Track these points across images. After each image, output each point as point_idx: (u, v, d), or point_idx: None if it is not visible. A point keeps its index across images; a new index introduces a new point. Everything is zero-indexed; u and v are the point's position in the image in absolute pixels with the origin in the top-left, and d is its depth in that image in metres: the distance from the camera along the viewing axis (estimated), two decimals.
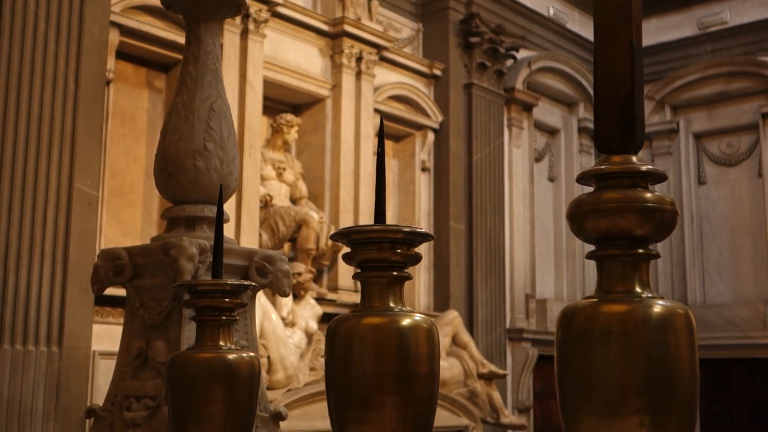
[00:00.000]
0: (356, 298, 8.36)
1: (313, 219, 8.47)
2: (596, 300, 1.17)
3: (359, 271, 1.47)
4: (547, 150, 11.90)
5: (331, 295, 8.57)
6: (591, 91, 12.17)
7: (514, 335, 10.62)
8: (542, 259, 11.53)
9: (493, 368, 8.88)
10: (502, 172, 10.75)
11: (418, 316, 1.43)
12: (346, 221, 8.96)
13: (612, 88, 1.21)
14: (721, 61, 11.83)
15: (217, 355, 1.77)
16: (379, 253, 1.46)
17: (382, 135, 1.61)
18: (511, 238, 10.80)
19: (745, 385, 11.35)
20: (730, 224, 11.73)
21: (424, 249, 9.78)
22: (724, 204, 11.85)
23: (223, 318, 1.80)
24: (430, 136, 10.21)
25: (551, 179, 11.98)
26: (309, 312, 7.75)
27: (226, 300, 1.79)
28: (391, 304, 1.46)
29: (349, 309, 8.24)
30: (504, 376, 9.26)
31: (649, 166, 1.20)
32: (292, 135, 8.84)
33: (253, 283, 1.73)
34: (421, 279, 9.90)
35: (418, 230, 1.44)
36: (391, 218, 9.47)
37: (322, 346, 7.76)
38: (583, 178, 1.23)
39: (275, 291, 2.38)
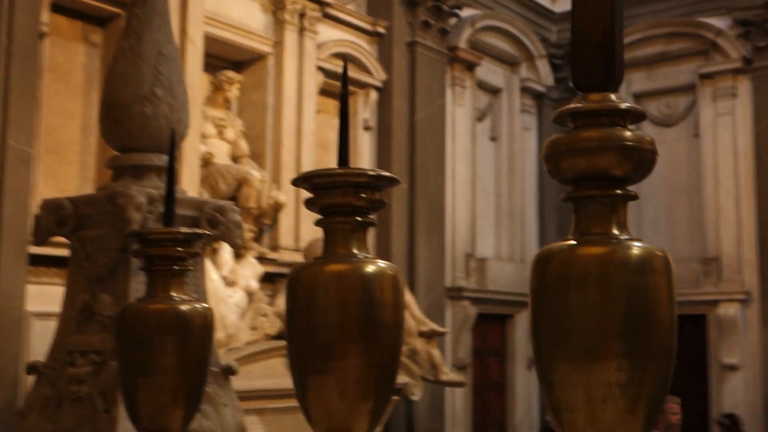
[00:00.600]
0: (297, 257, 8.29)
1: (254, 178, 8.35)
2: (573, 242, 1.13)
3: (321, 217, 1.42)
4: (490, 110, 11.90)
5: (272, 255, 8.49)
6: (534, 50, 12.19)
7: (453, 294, 10.68)
8: (483, 218, 11.58)
9: (434, 326, 8.92)
10: (444, 131, 10.73)
11: (382, 263, 1.38)
12: (287, 180, 8.86)
13: (591, 23, 1.16)
14: (662, 22, 11.93)
15: (170, 306, 1.70)
16: (343, 197, 1.40)
17: (345, 78, 1.55)
18: (452, 198, 10.82)
19: (679, 341, 11.58)
20: (667, 184, 11.91)
21: None
22: (661, 164, 11.93)
23: (176, 268, 1.73)
24: (373, 94, 10.13)
25: (493, 139, 12.00)
26: (250, 271, 7.67)
27: (179, 249, 1.71)
28: (355, 251, 1.41)
29: (290, 269, 8.18)
30: (444, 334, 9.31)
31: (629, 104, 1.16)
32: (234, 92, 8.68)
33: (208, 232, 1.66)
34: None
35: (384, 174, 1.38)
36: None
37: (263, 305, 7.69)
38: (560, 117, 1.19)
39: (227, 242, 2.31)
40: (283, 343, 7.48)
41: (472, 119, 11.43)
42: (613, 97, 1.16)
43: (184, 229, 1.72)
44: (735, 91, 11.44)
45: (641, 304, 1.07)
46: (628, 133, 1.14)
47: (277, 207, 8.50)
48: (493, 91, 11.96)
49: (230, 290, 7.41)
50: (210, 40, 8.28)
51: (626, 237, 1.13)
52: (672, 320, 1.10)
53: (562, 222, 12.46)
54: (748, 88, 11.35)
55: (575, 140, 1.13)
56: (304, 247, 8.56)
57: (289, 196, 8.60)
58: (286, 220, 8.65)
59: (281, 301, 7.79)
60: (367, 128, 10.09)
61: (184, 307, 1.70)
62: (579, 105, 1.16)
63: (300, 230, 8.80)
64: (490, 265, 11.33)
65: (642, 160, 1.14)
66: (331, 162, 9.74)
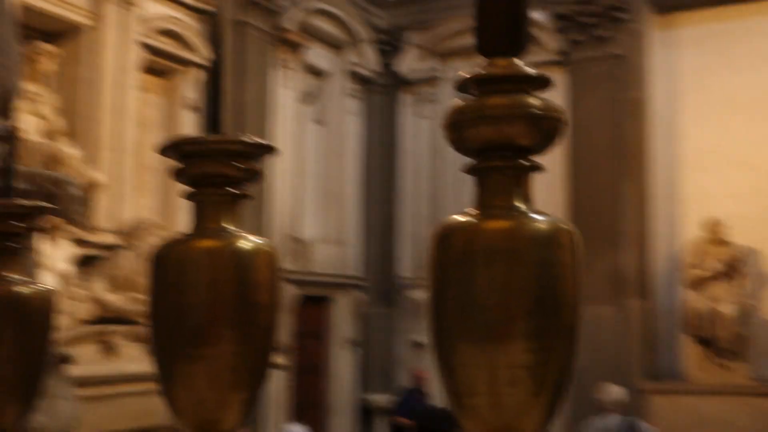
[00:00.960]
0: (112, 239, 7.92)
1: (67, 156, 7.91)
2: (478, 216, 1.07)
3: (192, 190, 1.29)
4: (317, 93, 11.83)
5: (86, 237, 8.06)
6: (361, 35, 12.22)
7: None
8: (307, 200, 11.52)
9: None
10: (270, 113, 10.57)
11: (258, 239, 1.27)
12: (105, 159, 8.45)
13: None
14: None
15: (7, 288, 1.51)
16: (215, 167, 1.28)
17: (219, 41, 1.42)
18: (277, 180, 10.69)
19: None
20: None
21: None
22: None
23: (13, 245, 1.54)
24: (198, 73, 9.81)
25: (319, 122, 11.95)
26: (60, 253, 7.25)
27: (17, 224, 1.52)
28: (227, 226, 1.29)
29: (105, 251, 7.80)
30: None
31: (536, 71, 1.11)
32: (49, 66, 8.18)
33: (51, 206, 1.48)
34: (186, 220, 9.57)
35: (261, 141, 1.27)
36: (154, 158, 9.03)
37: (77, 289, 7.31)
38: (464, 85, 1.12)
39: (65, 217, 2.11)
40: (97, 328, 7.14)
41: (299, 102, 11.33)
42: (517, 62, 1.10)
43: (25, 202, 1.53)
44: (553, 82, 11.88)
45: (549, 282, 1.02)
46: (537, 101, 1.09)
47: (93, 186, 8.07)
48: (321, 75, 11.89)
49: (43, 273, 6.98)
50: (24, 9, 7.74)
51: (531, 210, 1.08)
52: (578, 297, 1.06)
53: (385, 207, 12.60)
54: (565, 80, 11.82)
55: (482, 107, 1.06)
56: (126, 228, 8.18)
57: (108, 175, 8.20)
58: (103, 201, 8.23)
59: (98, 285, 7.42)
60: (191, 108, 9.78)
61: (23, 290, 1.52)
62: (484, 71, 1.09)
63: (120, 210, 8.41)
64: (314, 248, 11.30)
65: (551, 129, 1.09)
66: (153, 142, 9.37)
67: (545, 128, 1.06)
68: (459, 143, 1.09)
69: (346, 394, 11.94)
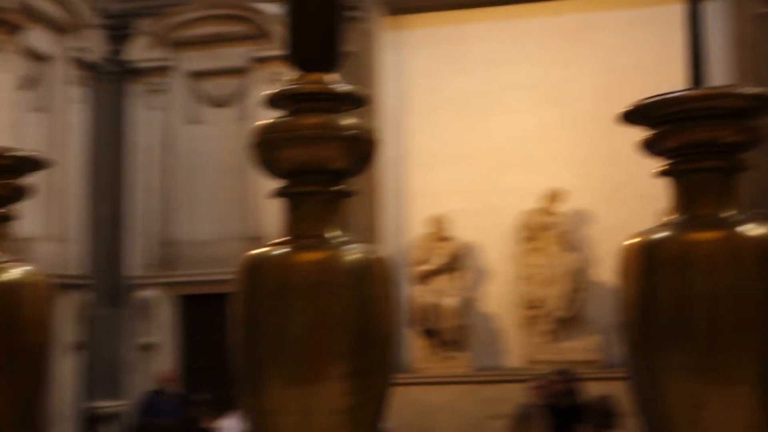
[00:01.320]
0: None
1: None
2: (290, 246, 0.98)
3: None
4: (37, 78, 11.03)
5: None
6: (90, 19, 11.54)
7: None
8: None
9: None
10: None
11: (29, 267, 1.10)
12: None
13: (312, 1, 1.01)
14: (218, 3, 11.98)
15: None
16: None
17: None
18: None
19: (224, 319, 11.80)
20: (218, 164, 12.02)
21: None
22: (213, 143, 12.10)
23: None
24: None
25: (40, 110, 11.15)
26: None
27: None
28: None
29: None
30: None
31: (350, 88, 1.03)
32: None
33: None
34: None
35: (29, 155, 1.10)
36: None
37: None
38: (273, 99, 1.03)
39: None
40: None
41: (17, 88, 10.49)
42: (332, 78, 1.03)
43: None
44: (284, 77, 11.88)
45: (367, 317, 0.95)
46: (351, 121, 1.01)
47: None
48: (42, 59, 11.09)
49: None
50: None
51: (347, 239, 1.01)
52: (394, 330, 1.00)
53: (113, 202, 12.03)
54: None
55: (296, 127, 0.98)
56: None
57: None
58: None
59: None
60: None
61: None
62: (298, 86, 1.00)
63: None
64: (32, 245, 10.53)
65: (366, 151, 1.02)
66: None
67: (360, 150, 0.99)
68: (268, 164, 1.00)
69: (68, 401, 11.25)
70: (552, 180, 11.18)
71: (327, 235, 0.96)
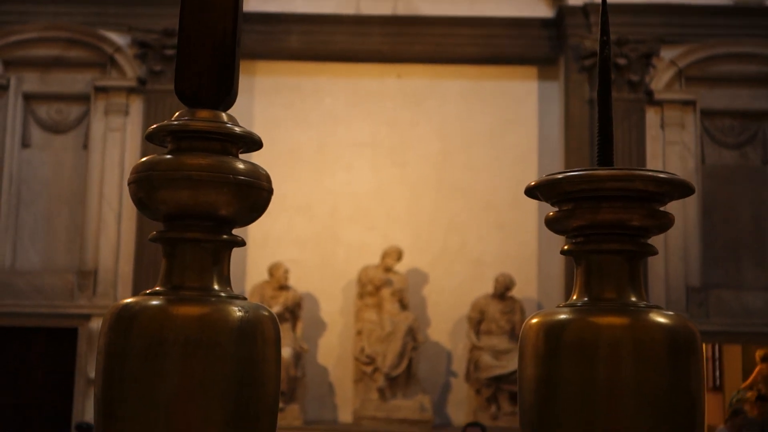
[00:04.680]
0: None
1: None
2: (166, 298, 0.88)
3: None
4: None
5: None
6: None
7: None
8: None
9: None
10: None
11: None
12: None
13: (207, 24, 0.93)
14: (62, 26, 11.54)
15: None
16: None
17: None
18: None
19: (47, 353, 11.24)
20: (50, 191, 11.50)
21: None
22: (46, 170, 11.56)
23: None
24: None
25: None
26: None
27: None
28: None
29: None
30: None
31: (245, 129, 0.95)
32: None
33: None
34: None
35: None
36: None
37: None
38: (155, 135, 0.93)
39: None
40: None
41: None
42: (224, 116, 0.94)
43: None
44: (128, 109, 11.56)
45: (249, 382, 0.86)
46: (242, 166, 0.93)
47: None
48: None
49: None
50: None
51: (230, 294, 0.92)
52: (277, 399, 0.91)
53: None
54: (140, 108, 11.55)
55: (181, 166, 0.88)
56: None
57: None
58: None
59: None
60: None
61: None
62: (186, 122, 0.91)
63: None
64: None
65: (258, 200, 0.94)
66: None
67: (253, 199, 0.91)
68: (146, 205, 0.90)
69: None
70: (389, 238, 11.32)
71: (210, 287, 0.86)
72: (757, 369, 12.33)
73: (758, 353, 12.33)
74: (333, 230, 11.58)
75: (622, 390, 0.90)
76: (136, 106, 11.61)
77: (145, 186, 0.86)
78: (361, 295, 11.08)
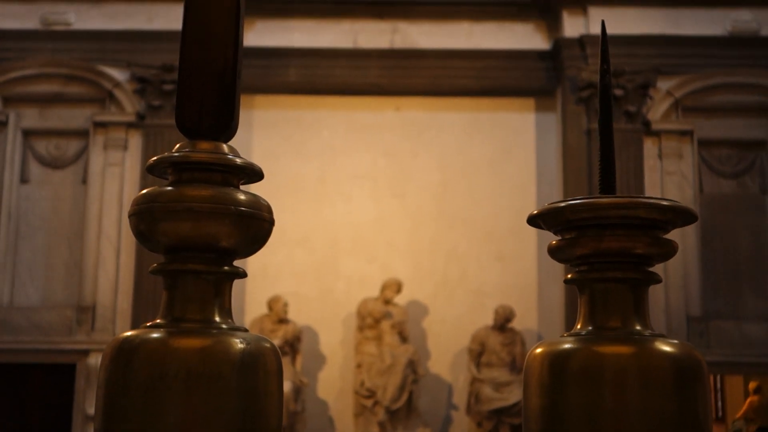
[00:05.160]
0: None
1: None
2: (167, 330, 0.87)
3: None
4: None
5: None
6: None
7: None
8: None
9: None
10: None
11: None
12: None
13: (208, 56, 0.93)
14: (61, 62, 11.60)
15: None
16: None
17: None
18: None
19: (45, 390, 11.19)
20: (48, 227, 11.50)
21: None
22: (45, 206, 11.57)
23: None
24: None
25: None
26: None
27: None
28: None
29: None
30: None
31: (246, 160, 0.95)
32: None
33: None
34: None
35: None
36: None
37: None
38: (156, 166, 0.93)
39: None
40: None
41: None
42: (225, 148, 0.94)
43: None
44: (126, 144, 11.59)
45: (252, 416, 0.86)
46: (244, 197, 0.93)
47: None
48: None
49: None
50: None
51: (233, 326, 0.91)
52: (281, 429, 0.90)
53: None
54: (139, 143, 11.58)
55: (182, 198, 0.88)
56: None
57: None
58: None
59: None
60: None
61: None
62: (187, 154, 0.91)
63: None
64: None
65: (259, 232, 0.94)
66: None
67: (255, 230, 0.90)
68: (147, 237, 0.89)
69: None
70: (389, 269, 11.31)
71: (210, 320, 0.86)
72: (748, 400, 12.31)
73: (751, 385, 12.31)
74: (332, 262, 11.57)
75: (629, 419, 0.89)
76: (135, 140, 11.64)
77: (146, 218, 0.86)
78: (361, 328, 11.04)
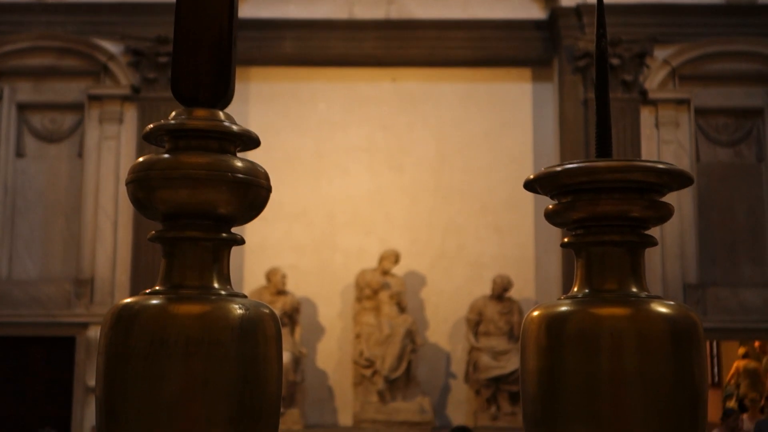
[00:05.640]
0: None
1: None
2: (167, 297, 0.88)
3: None
4: None
5: None
6: None
7: None
8: None
9: None
10: None
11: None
12: None
13: (203, 23, 0.93)
14: (55, 35, 11.53)
15: None
16: None
17: None
18: None
19: (44, 363, 11.23)
20: (45, 201, 11.49)
21: None
22: (41, 179, 11.55)
23: None
24: None
25: None
26: None
27: None
28: None
29: None
30: None
31: (242, 127, 0.95)
32: None
33: None
34: None
35: None
36: None
37: None
38: (152, 134, 0.93)
39: None
40: None
41: None
42: (222, 115, 0.94)
43: None
44: (122, 117, 11.55)
45: (252, 381, 0.86)
46: (241, 164, 0.93)
47: None
48: None
49: None
50: None
51: (231, 293, 0.92)
52: (279, 397, 0.91)
53: None
54: (135, 116, 11.54)
55: (180, 165, 0.88)
56: None
57: None
58: None
59: None
60: None
61: None
62: (182, 121, 0.91)
63: None
64: None
65: (256, 198, 0.94)
66: None
67: (252, 197, 0.91)
68: (144, 205, 0.90)
69: None
70: (387, 242, 11.33)
71: (210, 286, 0.86)
72: (735, 365, 12.45)
73: (740, 350, 12.44)
74: (330, 235, 11.58)
75: (625, 380, 0.90)
76: (131, 114, 11.60)
77: (143, 186, 0.86)
78: (359, 299, 11.07)
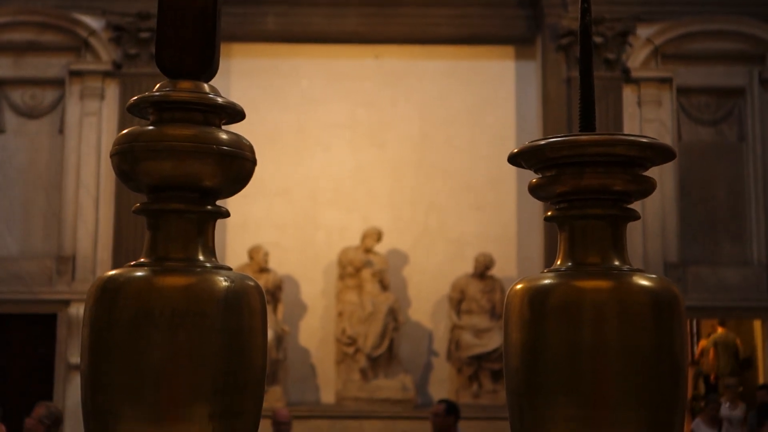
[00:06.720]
0: None
1: None
2: (152, 269, 0.88)
3: None
4: None
5: None
6: None
7: None
8: None
9: None
10: None
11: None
12: None
13: None
14: (35, 10, 11.41)
15: None
16: None
17: None
18: None
19: (26, 340, 11.20)
20: (26, 177, 11.41)
21: None
22: (22, 156, 11.46)
23: None
24: None
25: None
26: None
27: None
28: None
29: None
30: None
31: (227, 99, 0.95)
32: None
33: None
34: None
35: None
36: None
37: None
38: (136, 106, 0.93)
39: None
40: None
41: None
42: (206, 87, 0.94)
43: None
44: (103, 93, 11.46)
45: (236, 353, 0.87)
46: (226, 136, 0.93)
47: None
48: None
49: None
50: None
51: (216, 265, 0.92)
52: (264, 369, 0.91)
53: None
54: (116, 92, 11.45)
55: (163, 137, 0.88)
56: None
57: None
58: None
59: None
60: None
61: None
62: (167, 93, 0.91)
63: None
64: None
65: (241, 171, 0.94)
66: None
67: (236, 170, 0.91)
68: (129, 177, 0.90)
69: None
70: (369, 220, 11.33)
71: (195, 258, 0.86)
72: (701, 343, 12.55)
73: (719, 329, 12.51)
74: (312, 212, 11.57)
75: (607, 352, 0.91)
76: (112, 90, 11.52)
77: (128, 158, 0.85)
78: (342, 277, 11.09)
